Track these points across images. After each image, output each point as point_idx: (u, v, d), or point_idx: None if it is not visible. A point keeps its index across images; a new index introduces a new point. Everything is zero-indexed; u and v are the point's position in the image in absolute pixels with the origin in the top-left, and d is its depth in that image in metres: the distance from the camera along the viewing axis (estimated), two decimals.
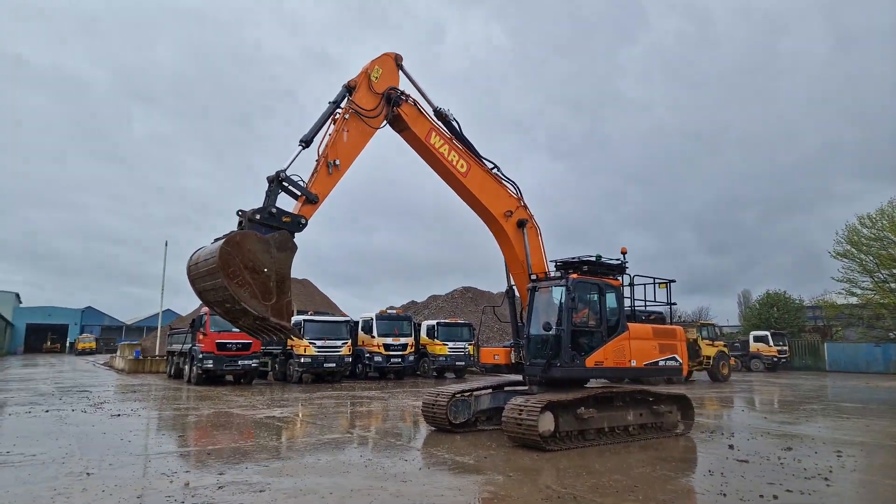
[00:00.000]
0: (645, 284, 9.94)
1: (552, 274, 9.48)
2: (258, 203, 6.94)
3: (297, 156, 7.45)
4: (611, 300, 9.01)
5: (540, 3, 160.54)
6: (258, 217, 6.72)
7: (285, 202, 7.25)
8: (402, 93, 8.76)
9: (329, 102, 8.04)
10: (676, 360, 9.47)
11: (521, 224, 9.66)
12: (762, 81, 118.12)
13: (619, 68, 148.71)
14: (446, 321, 25.07)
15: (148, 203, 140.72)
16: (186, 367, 20.29)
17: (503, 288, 10.20)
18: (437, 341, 23.54)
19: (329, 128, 7.92)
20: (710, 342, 23.98)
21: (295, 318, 20.85)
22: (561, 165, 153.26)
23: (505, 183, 9.74)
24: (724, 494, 5.56)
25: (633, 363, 8.81)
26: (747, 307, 53.10)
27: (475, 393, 9.60)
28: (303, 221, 7.12)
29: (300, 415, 11.86)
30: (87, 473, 6.11)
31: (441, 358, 23.33)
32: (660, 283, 10.05)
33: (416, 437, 9.20)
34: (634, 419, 8.86)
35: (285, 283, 6.67)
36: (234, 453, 7.40)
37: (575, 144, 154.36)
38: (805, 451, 8.01)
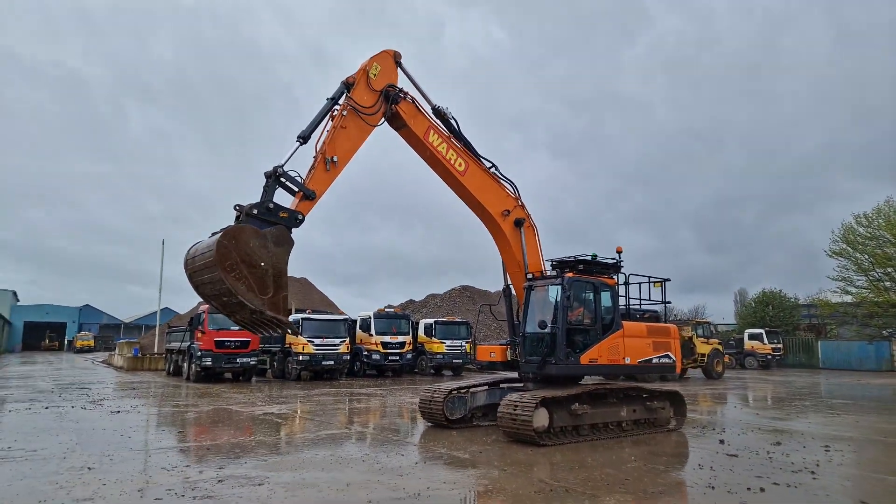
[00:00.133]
0: (640, 283, 10.07)
1: (548, 273, 9.60)
2: (256, 199, 7.02)
3: (294, 152, 7.51)
4: (606, 299, 9.14)
5: (540, 1, 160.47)
6: (256, 212, 6.79)
7: (283, 198, 7.35)
8: (401, 90, 8.82)
9: (327, 99, 8.08)
10: (670, 358, 9.60)
11: (518, 223, 9.77)
12: (762, 80, 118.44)
13: (620, 67, 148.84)
14: (444, 320, 25.21)
15: (146, 200, 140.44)
16: (185, 365, 20.37)
17: (501, 287, 10.31)
18: (434, 339, 23.68)
19: (327, 124, 7.97)
20: (705, 340, 24.18)
21: (293, 317, 20.94)
22: (561, 164, 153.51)
23: (503, 182, 9.83)
24: (713, 487, 5.70)
25: (628, 360, 8.94)
26: (743, 305, 53.43)
27: (471, 390, 9.72)
28: (300, 217, 7.20)
29: (298, 411, 11.97)
30: (88, 468, 6.21)
31: (438, 356, 23.47)
32: (655, 282, 10.18)
33: (414, 432, 9.32)
34: (628, 415, 9.00)
35: (282, 277, 6.75)
36: (234, 448, 7.51)
37: (575, 143, 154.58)
38: (794, 445, 8.16)
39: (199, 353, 18.75)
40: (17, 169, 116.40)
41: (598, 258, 9.37)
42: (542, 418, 7.86)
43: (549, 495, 5.31)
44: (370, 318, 22.74)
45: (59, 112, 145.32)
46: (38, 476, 5.86)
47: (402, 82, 8.98)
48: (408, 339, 22.98)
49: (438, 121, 9.33)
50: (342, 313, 26.03)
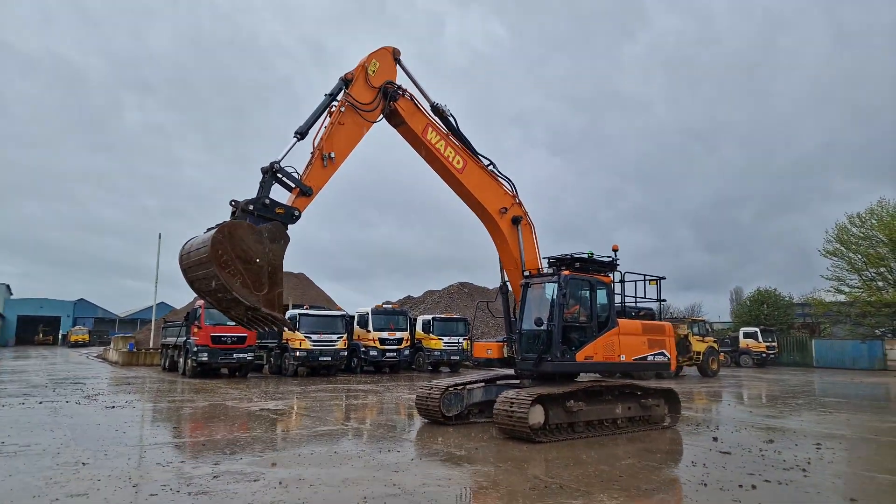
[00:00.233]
0: (636, 281, 10.12)
1: (545, 270, 9.63)
2: (254, 194, 6.99)
3: (291, 147, 7.48)
4: (601, 296, 9.17)
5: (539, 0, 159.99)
6: (251, 208, 6.77)
7: (280, 194, 7.33)
8: (399, 87, 8.80)
9: (325, 95, 8.06)
10: (665, 356, 9.66)
11: (515, 221, 9.78)
12: (761, 79, 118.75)
13: (619, 65, 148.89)
14: (441, 316, 25.25)
15: (142, 194, 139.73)
16: (181, 360, 20.32)
17: (499, 283, 10.33)
18: (432, 336, 23.71)
19: (325, 120, 7.94)
20: (701, 338, 24.31)
21: (291, 312, 20.93)
22: (560, 161, 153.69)
23: (500, 180, 9.84)
24: (705, 484, 5.74)
25: (623, 358, 8.99)
26: (739, 304, 53.69)
27: (468, 386, 9.75)
28: (296, 213, 7.17)
29: (295, 407, 11.98)
30: (83, 464, 6.20)
31: (436, 352, 23.51)
32: (650, 280, 10.23)
33: (410, 429, 9.35)
34: (623, 412, 9.05)
35: (277, 274, 6.73)
36: (229, 444, 7.51)
37: (574, 141, 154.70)
38: (786, 443, 8.23)
39: (195, 349, 18.71)
40: (12, 161, 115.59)
41: (595, 256, 9.40)
42: (537, 415, 7.90)
43: (544, 492, 5.35)
44: (368, 314, 22.75)
45: (55, 104, 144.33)
46: (32, 471, 5.84)
47: (401, 79, 8.96)
48: (405, 335, 23.00)
49: (437, 118, 9.32)
50: (340, 309, 26.07)
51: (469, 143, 9.59)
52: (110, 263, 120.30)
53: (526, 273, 9.57)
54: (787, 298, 43.22)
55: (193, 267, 6.44)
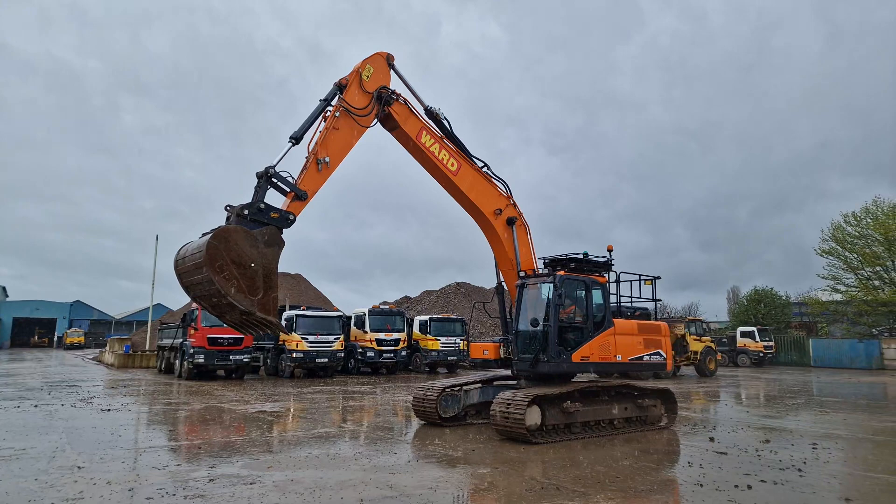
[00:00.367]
0: (631, 281, 10.13)
1: (540, 271, 9.64)
2: (249, 197, 7.00)
3: (286, 152, 7.52)
4: (597, 297, 9.18)
5: (535, 0, 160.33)
6: (246, 212, 6.78)
7: (275, 199, 7.34)
8: (394, 92, 8.85)
9: (320, 100, 8.11)
10: (661, 355, 9.67)
11: (510, 222, 9.80)
12: (755, 78, 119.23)
13: (615, 65, 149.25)
14: (438, 317, 25.22)
15: (139, 196, 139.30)
16: (177, 362, 20.26)
17: (496, 283, 10.34)
18: (429, 336, 23.69)
19: (320, 125, 8.00)
20: (698, 338, 24.36)
21: (287, 313, 20.89)
22: (556, 161, 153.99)
23: (495, 181, 9.86)
24: (701, 485, 5.76)
25: (619, 358, 9.00)
26: (736, 303, 53.85)
27: (465, 387, 9.75)
28: (291, 218, 7.19)
29: (292, 409, 11.96)
30: (78, 467, 6.17)
31: (433, 353, 23.48)
32: (645, 280, 10.24)
33: (407, 431, 9.34)
34: (619, 413, 9.06)
35: (272, 278, 6.74)
36: (226, 447, 7.49)
37: (570, 140, 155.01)
38: (782, 443, 8.25)
39: (191, 351, 18.67)
40: (9, 162, 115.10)
41: (590, 256, 9.42)
42: (534, 416, 7.90)
43: (541, 493, 5.35)
44: (365, 314, 22.72)
45: (51, 105, 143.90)
46: (28, 475, 5.82)
47: (395, 84, 9.03)
48: (402, 336, 22.98)
49: (431, 122, 9.36)
50: (336, 310, 26.00)
51: (463, 145, 9.62)
52: (106, 265, 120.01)
53: (521, 274, 9.58)
54: (783, 298, 43.37)
55: (189, 272, 6.46)
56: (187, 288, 6.59)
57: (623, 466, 6.57)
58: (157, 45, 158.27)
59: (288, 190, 7.35)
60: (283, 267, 7.12)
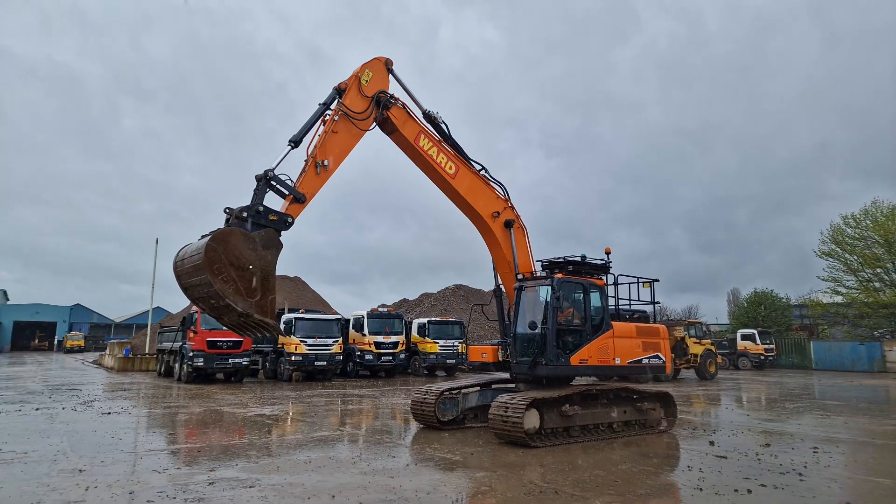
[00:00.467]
0: (629, 284, 10.14)
1: (538, 273, 9.65)
2: (248, 199, 7.04)
3: (285, 155, 7.57)
4: (595, 299, 9.20)
5: (532, 3, 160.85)
6: (245, 215, 6.83)
7: (274, 201, 7.37)
8: (392, 96, 8.91)
9: (319, 104, 8.17)
10: (660, 358, 9.68)
11: (508, 224, 9.83)
12: (753, 80, 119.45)
13: (612, 68, 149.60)
14: (437, 319, 25.19)
15: (139, 199, 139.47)
16: (177, 366, 20.26)
17: (493, 286, 10.36)
18: (427, 339, 23.67)
19: (318, 129, 8.05)
20: (698, 340, 24.31)
21: (286, 317, 20.89)
22: (554, 163, 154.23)
23: (492, 184, 9.89)
24: (701, 489, 5.76)
25: (617, 361, 9.00)
26: (736, 305, 53.80)
27: (463, 391, 9.75)
28: (289, 220, 7.23)
29: (290, 413, 11.95)
30: (80, 470, 6.19)
31: (432, 356, 23.45)
32: (644, 283, 10.25)
33: (406, 434, 9.34)
34: (618, 416, 9.06)
35: (270, 280, 6.77)
36: (225, 451, 7.50)
37: (568, 142, 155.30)
38: (783, 447, 8.25)
39: (191, 354, 18.67)
40: (9, 167, 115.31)
41: (588, 259, 9.43)
42: (532, 420, 7.90)
43: (539, 497, 5.35)
44: (363, 317, 22.72)
45: (52, 109, 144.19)
46: (30, 478, 5.83)
47: (394, 89, 9.12)
48: (401, 338, 22.97)
49: (429, 125, 9.41)
50: (335, 313, 26.02)
51: (461, 148, 9.66)
52: (106, 269, 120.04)
53: (520, 276, 9.59)
54: (784, 300, 43.33)
55: (187, 273, 6.50)
56: (186, 289, 6.64)
57: (622, 470, 6.57)
58: (157, 48, 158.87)
59: (287, 193, 7.39)
60: (281, 270, 7.16)
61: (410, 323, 25.01)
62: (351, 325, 23.17)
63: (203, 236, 6.61)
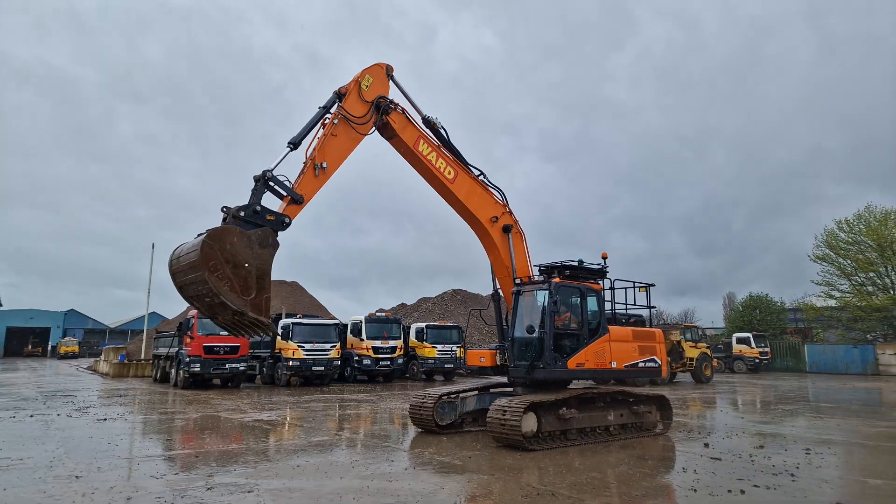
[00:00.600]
0: (626, 288, 10.24)
1: (536, 278, 9.73)
2: (246, 201, 7.07)
3: (284, 156, 7.63)
4: (592, 303, 9.28)
5: (529, 8, 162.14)
6: (242, 214, 6.86)
7: (272, 202, 7.42)
8: (392, 101, 9.01)
9: (319, 107, 8.24)
10: (656, 362, 9.76)
11: (506, 229, 9.91)
12: (749, 85, 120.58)
13: (609, 72, 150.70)
14: (435, 324, 25.23)
15: (134, 204, 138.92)
16: (173, 371, 20.19)
17: (492, 290, 10.42)
18: (425, 344, 23.68)
19: (318, 131, 8.12)
20: (693, 344, 24.45)
21: (283, 321, 20.87)
22: (552, 167, 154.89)
23: (491, 189, 9.99)
24: (695, 490, 5.82)
25: (614, 364, 9.08)
26: (731, 309, 54.05)
27: (461, 395, 9.79)
28: (286, 220, 7.27)
29: (288, 418, 11.95)
30: (76, 476, 6.18)
31: (430, 360, 23.45)
32: (640, 287, 10.35)
33: (404, 438, 9.36)
34: (615, 419, 9.12)
35: (265, 279, 6.79)
36: (222, 456, 7.50)
37: (566, 147, 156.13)
38: (776, 449, 8.33)
39: (187, 359, 18.61)
40: (2, 170, 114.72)
41: (585, 264, 9.52)
42: (530, 423, 7.95)
43: (537, 500, 5.40)
44: (361, 322, 22.72)
45: (46, 113, 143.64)
46: (26, 485, 5.82)
47: (394, 94, 9.22)
48: (399, 343, 22.97)
49: (428, 131, 9.50)
50: (333, 317, 25.99)
51: (460, 154, 9.75)
52: (101, 274, 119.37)
53: (517, 281, 9.67)
54: (779, 304, 43.61)
55: (183, 271, 6.49)
56: (181, 287, 6.62)
57: (618, 472, 6.63)
58: (153, 52, 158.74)
59: (284, 193, 7.44)
60: (279, 274, 7.23)
61: (408, 327, 25.03)
62: (349, 330, 23.17)
63: (199, 234, 6.61)
